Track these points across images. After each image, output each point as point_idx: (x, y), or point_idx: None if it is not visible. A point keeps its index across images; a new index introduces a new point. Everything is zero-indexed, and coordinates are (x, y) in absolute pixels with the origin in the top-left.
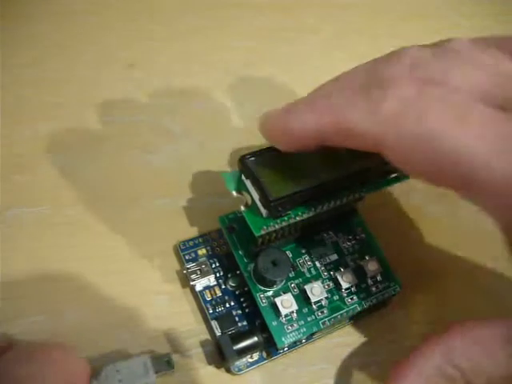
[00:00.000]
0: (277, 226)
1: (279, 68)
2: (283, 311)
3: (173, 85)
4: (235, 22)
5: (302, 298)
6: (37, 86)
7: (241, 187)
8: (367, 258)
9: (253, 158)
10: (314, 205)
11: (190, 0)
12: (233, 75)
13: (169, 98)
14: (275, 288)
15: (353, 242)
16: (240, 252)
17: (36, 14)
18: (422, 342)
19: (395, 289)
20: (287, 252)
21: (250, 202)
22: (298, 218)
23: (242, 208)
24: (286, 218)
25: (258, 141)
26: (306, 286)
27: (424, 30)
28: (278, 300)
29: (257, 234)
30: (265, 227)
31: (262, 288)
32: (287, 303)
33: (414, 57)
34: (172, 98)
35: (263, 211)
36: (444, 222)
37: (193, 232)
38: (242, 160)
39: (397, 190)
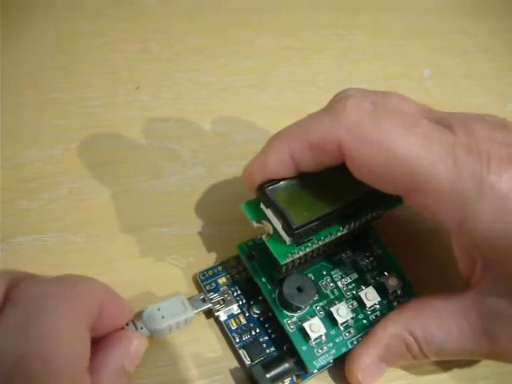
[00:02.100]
0: (301, 253)
1: (284, 88)
2: (312, 335)
3: (179, 107)
4: (238, 42)
5: (329, 320)
6: (39, 108)
7: (261, 216)
8: (386, 273)
9: (271, 187)
10: (335, 228)
11: (194, 20)
12: (238, 96)
13: (176, 121)
14: (301, 312)
15: (371, 258)
16: (263, 279)
17: (39, 35)
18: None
19: None
20: (309, 275)
21: (271, 230)
22: (320, 243)
23: (264, 237)
24: (309, 244)
25: None
26: (331, 308)
27: (427, 47)
28: (306, 325)
29: (282, 263)
30: (289, 255)
31: (289, 314)
32: (315, 327)
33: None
34: (179, 122)
35: (287, 239)
36: None
37: (205, 259)
38: (261, 189)
39: None
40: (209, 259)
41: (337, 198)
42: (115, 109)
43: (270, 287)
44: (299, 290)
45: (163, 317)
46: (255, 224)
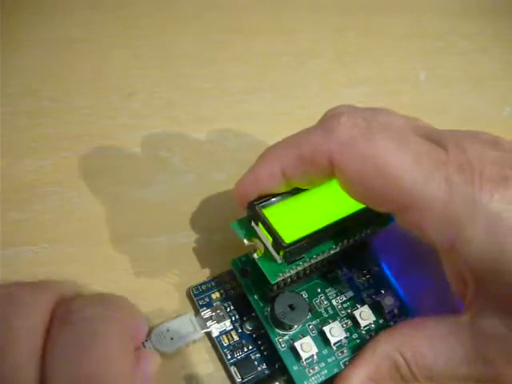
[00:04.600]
0: (292, 272)
1: (277, 94)
2: (303, 355)
3: (171, 115)
4: (230, 48)
5: (321, 340)
6: (33, 116)
7: (251, 234)
8: (383, 292)
9: (262, 204)
10: (328, 245)
11: (186, 26)
12: (231, 103)
13: (167, 129)
14: (293, 331)
15: (367, 276)
16: (255, 296)
17: (31, 42)
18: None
19: None
20: (303, 293)
21: (262, 248)
22: (312, 261)
23: (255, 256)
24: (300, 263)
25: None
26: (324, 328)
27: (422, 49)
28: (297, 344)
29: (273, 282)
30: (280, 274)
31: (280, 332)
32: (307, 347)
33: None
34: (170, 129)
35: (277, 257)
36: None
37: (198, 271)
38: (251, 206)
39: None
40: (201, 271)
41: (330, 215)
42: (108, 116)
43: (262, 304)
44: (291, 308)
45: (172, 338)
46: (246, 242)
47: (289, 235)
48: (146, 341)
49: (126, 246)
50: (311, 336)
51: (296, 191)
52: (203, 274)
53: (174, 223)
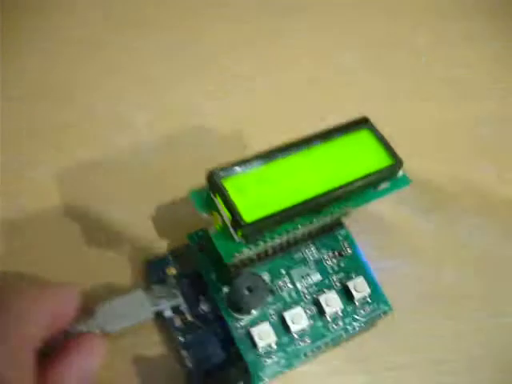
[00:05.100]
0: (251, 252)
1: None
2: (260, 343)
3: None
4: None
5: (282, 327)
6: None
7: (212, 206)
8: (354, 276)
9: (223, 173)
10: (293, 225)
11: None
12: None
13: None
14: (251, 316)
15: (338, 258)
16: (212, 276)
17: (27, 49)
18: None
19: (385, 311)
20: (265, 273)
21: (221, 223)
22: (276, 241)
23: (212, 231)
24: (261, 243)
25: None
26: (285, 313)
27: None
28: (254, 331)
29: (228, 262)
30: (237, 254)
31: (237, 316)
32: (264, 334)
33: None
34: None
35: (235, 236)
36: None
37: (155, 244)
38: (211, 176)
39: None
40: (159, 244)
41: (303, 190)
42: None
43: (218, 285)
44: (250, 290)
45: (120, 317)
46: (205, 215)
47: (251, 212)
48: (90, 319)
49: (77, 217)
50: (270, 322)
51: (269, 157)
52: (161, 247)
53: (133, 191)
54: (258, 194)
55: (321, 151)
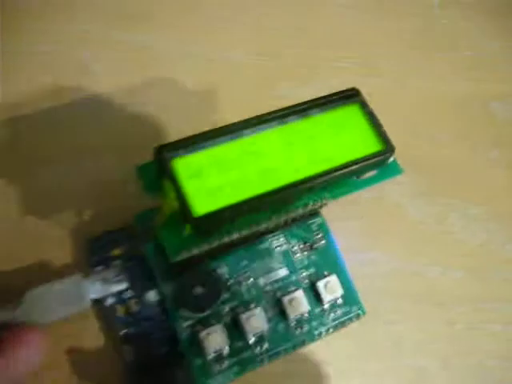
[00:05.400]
0: (203, 249)
1: None
2: (209, 348)
3: None
4: None
5: (236, 329)
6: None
7: (160, 188)
8: (326, 273)
9: (176, 152)
10: (257, 219)
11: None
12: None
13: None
14: (202, 314)
15: (309, 251)
16: (159, 266)
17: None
18: None
19: (358, 314)
20: (223, 266)
21: (168, 211)
22: (234, 237)
23: (158, 220)
24: (215, 240)
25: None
26: (242, 316)
27: None
28: (203, 334)
29: (172, 260)
30: (184, 251)
31: (185, 314)
32: (215, 337)
33: None
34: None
35: (183, 231)
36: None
37: (101, 218)
38: (159, 154)
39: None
40: (106, 220)
41: (269, 178)
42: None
43: (166, 277)
44: (202, 286)
45: (52, 306)
46: (152, 197)
47: (205, 202)
48: (17, 307)
49: (15, 174)
50: (224, 323)
51: (233, 133)
52: (107, 224)
53: (80, 153)
54: (216, 180)
55: (297, 129)
